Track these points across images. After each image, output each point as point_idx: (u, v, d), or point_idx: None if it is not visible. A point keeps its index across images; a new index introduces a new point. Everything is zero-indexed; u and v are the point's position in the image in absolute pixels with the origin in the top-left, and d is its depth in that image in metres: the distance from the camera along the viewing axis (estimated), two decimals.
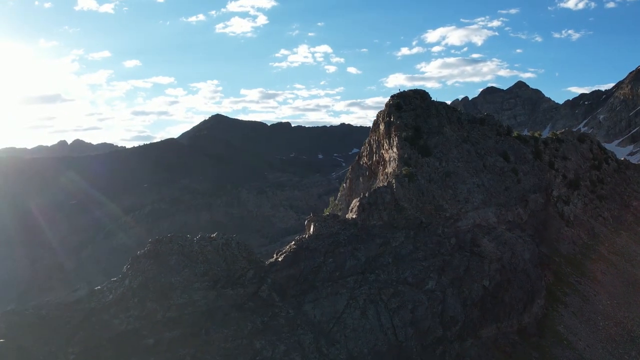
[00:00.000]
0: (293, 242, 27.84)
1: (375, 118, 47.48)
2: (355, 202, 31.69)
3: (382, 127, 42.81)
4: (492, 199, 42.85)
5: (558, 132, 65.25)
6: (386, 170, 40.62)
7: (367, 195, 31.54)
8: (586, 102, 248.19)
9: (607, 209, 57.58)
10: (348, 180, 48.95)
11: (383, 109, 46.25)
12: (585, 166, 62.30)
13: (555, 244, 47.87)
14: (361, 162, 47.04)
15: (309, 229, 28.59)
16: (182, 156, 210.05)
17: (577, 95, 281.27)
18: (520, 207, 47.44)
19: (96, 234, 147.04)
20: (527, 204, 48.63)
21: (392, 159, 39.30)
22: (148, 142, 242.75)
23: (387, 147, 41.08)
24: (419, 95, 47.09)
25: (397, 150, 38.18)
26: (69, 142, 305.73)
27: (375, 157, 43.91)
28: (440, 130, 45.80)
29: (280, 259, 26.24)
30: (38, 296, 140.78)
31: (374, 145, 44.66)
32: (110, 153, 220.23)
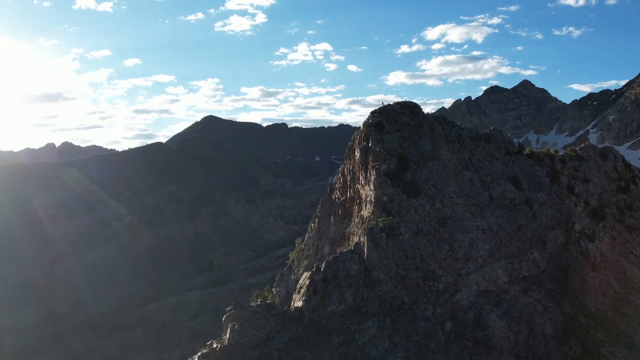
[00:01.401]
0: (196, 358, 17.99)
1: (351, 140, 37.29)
2: (304, 279, 21.87)
3: (357, 153, 32.77)
4: (501, 248, 32.93)
5: (577, 148, 55.21)
6: (362, 212, 30.70)
7: (322, 268, 21.69)
8: (594, 102, 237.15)
9: (639, 244, 47.66)
10: (317, 220, 38.86)
11: (362, 128, 36.25)
12: (611, 189, 52.32)
13: (580, 297, 38.04)
14: (333, 197, 37.02)
15: (226, 333, 18.77)
16: (171, 161, 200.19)
17: (584, 95, 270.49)
18: (536, 251, 37.59)
19: (73, 247, 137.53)
20: (544, 245, 38.78)
21: (368, 198, 29.38)
22: (150, 141, 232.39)
23: (362, 182, 31.15)
24: (408, 110, 37.15)
25: (375, 189, 28.28)
26: (58, 144, 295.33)
27: (350, 192, 33.97)
28: (434, 155, 35.84)
29: None
30: (9, 314, 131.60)
31: (349, 177, 34.63)
32: (95, 158, 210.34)
